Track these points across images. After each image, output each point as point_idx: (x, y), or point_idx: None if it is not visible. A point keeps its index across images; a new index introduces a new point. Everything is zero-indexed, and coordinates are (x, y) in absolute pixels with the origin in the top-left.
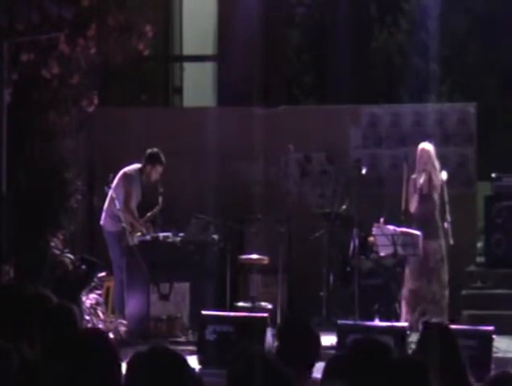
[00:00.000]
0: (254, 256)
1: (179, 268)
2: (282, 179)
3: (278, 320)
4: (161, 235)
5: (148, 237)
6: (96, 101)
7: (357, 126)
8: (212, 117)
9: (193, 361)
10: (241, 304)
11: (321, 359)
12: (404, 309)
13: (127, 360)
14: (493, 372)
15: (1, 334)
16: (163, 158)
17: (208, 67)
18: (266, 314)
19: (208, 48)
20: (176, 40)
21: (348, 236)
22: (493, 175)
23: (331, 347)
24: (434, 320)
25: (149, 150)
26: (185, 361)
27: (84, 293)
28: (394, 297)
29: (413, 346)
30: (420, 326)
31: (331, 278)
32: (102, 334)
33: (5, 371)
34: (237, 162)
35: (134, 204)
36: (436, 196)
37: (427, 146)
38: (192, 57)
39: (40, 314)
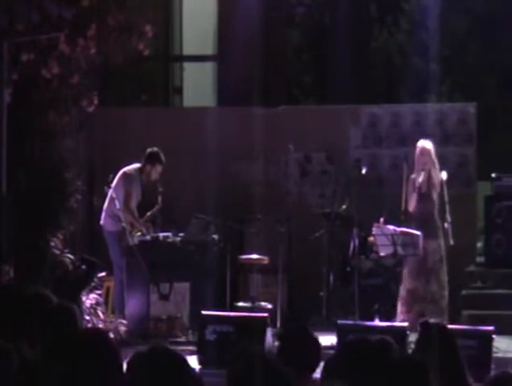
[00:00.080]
0: (254, 256)
1: (179, 268)
2: (282, 179)
3: (278, 320)
4: (161, 235)
5: (148, 237)
6: (96, 101)
7: (357, 126)
8: (212, 117)
9: (193, 361)
10: (241, 304)
11: (321, 359)
12: (400, 308)
13: (127, 360)
14: (493, 372)
15: (1, 334)
16: (162, 158)
17: (208, 67)
18: (266, 314)
19: (208, 48)
20: (176, 40)
21: (348, 236)
22: (493, 175)
23: (331, 347)
24: (433, 320)
25: (149, 150)
26: (185, 361)
27: (84, 293)
28: (394, 297)
29: (412, 346)
30: (418, 327)
31: (331, 278)
32: (102, 334)
33: (5, 371)
34: (237, 162)
35: (133, 204)
36: (435, 195)
37: (427, 144)
38: (192, 57)
39: (40, 314)
